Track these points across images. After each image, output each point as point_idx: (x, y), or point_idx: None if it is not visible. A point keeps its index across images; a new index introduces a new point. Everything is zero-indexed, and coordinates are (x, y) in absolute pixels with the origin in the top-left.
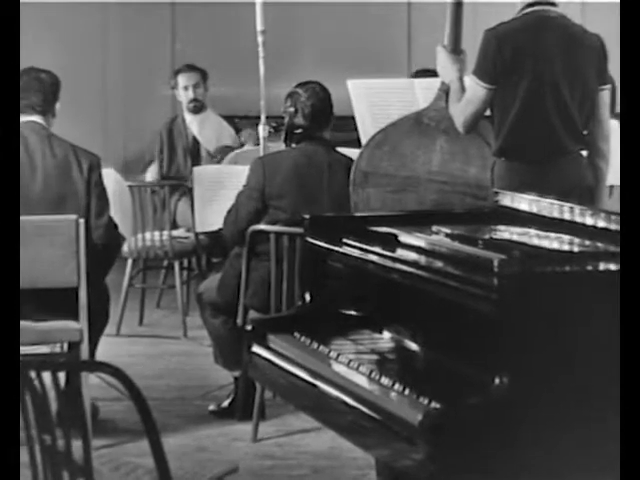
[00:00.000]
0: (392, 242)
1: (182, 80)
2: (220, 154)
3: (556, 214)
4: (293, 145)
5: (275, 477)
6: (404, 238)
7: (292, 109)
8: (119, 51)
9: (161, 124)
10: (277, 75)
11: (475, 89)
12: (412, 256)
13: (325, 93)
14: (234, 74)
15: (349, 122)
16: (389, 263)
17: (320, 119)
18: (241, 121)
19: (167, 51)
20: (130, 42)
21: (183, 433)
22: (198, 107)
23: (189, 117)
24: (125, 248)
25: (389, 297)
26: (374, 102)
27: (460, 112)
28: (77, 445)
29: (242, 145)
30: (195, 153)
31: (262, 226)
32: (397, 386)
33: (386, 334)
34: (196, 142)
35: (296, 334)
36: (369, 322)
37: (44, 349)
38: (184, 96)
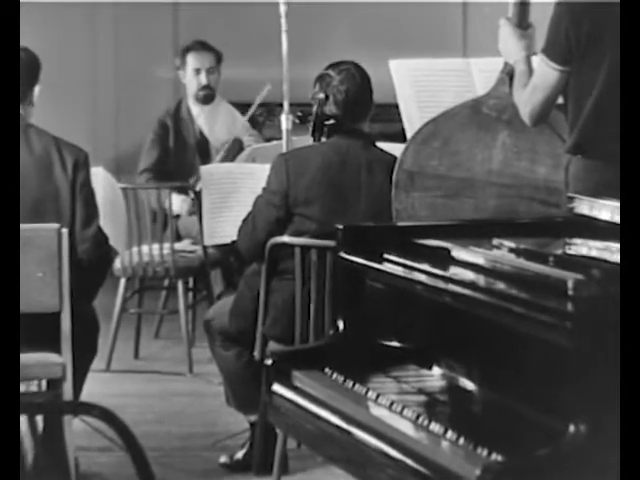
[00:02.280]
0: (444, 258)
1: (193, 60)
2: (228, 151)
3: None
4: (323, 139)
5: None
6: (458, 253)
7: (322, 95)
8: (109, 27)
9: (162, 110)
10: (304, 54)
11: (545, 71)
12: (468, 276)
13: (362, 76)
14: (250, 52)
15: (391, 111)
16: (440, 284)
17: (356, 107)
18: (259, 110)
19: (167, 24)
20: (122, 17)
21: None
22: (209, 97)
23: (196, 108)
24: (117, 265)
25: (440, 325)
26: (422, 87)
27: (527, 100)
28: None
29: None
30: (204, 151)
31: (285, 238)
32: (450, 434)
33: (436, 370)
34: (204, 137)
35: (327, 370)
36: (415, 356)
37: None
38: (193, 81)
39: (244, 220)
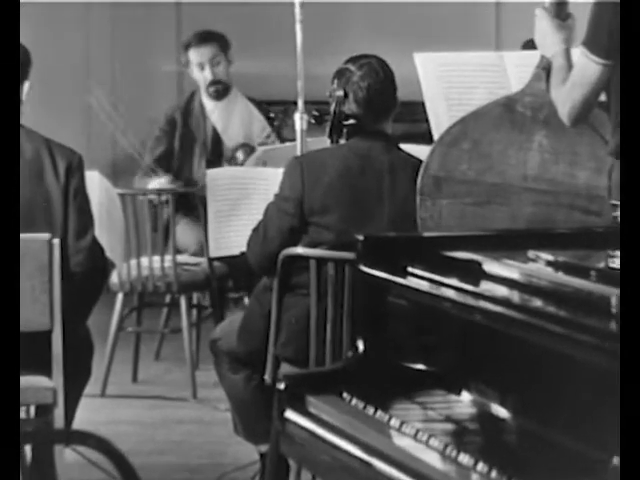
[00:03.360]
0: (474, 272)
1: (194, 56)
2: (243, 154)
3: None
4: (342, 141)
5: None
6: (490, 267)
7: (341, 92)
8: (105, 19)
9: (167, 107)
10: (320, 46)
11: (586, 66)
12: (501, 291)
13: (385, 71)
14: (261, 45)
15: (417, 110)
16: (470, 301)
17: (379, 106)
18: (270, 108)
19: (170, 12)
20: (120, 6)
21: None
22: (221, 91)
23: (210, 103)
24: (114, 279)
25: (470, 346)
26: (450, 83)
27: (566, 97)
28: None
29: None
30: (216, 151)
31: (299, 249)
32: (481, 466)
33: (466, 396)
34: (217, 135)
35: (345, 395)
36: (443, 380)
37: None
38: (200, 77)
39: (254, 230)
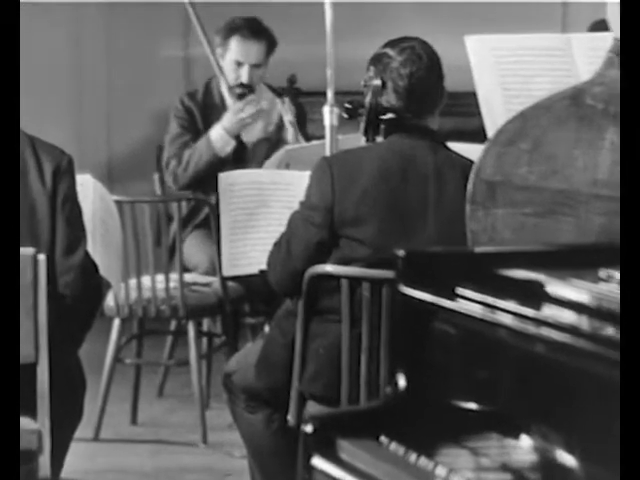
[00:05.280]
0: (535, 294)
1: (236, 49)
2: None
3: None
4: (378, 139)
5: None
6: (555, 288)
7: (378, 81)
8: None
9: (180, 93)
10: (354, 28)
11: None
12: (568, 317)
13: (431, 56)
14: (284, 26)
15: (468, 102)
16: (531, 328)
17: (422, 97)
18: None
19: None
20: None
21: None
22: (247, 94)
23: (230, 98)
24: (110, 302)
25: (530, 382)
26: (507, 70)
27: None
28: None
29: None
30: (238, 152)
31: (329, 267)
32: None
33: (525, 440)
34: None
35: (383, 439)
36: (498, 421)
37: None
38: (232, 72)
39: (276, 244)
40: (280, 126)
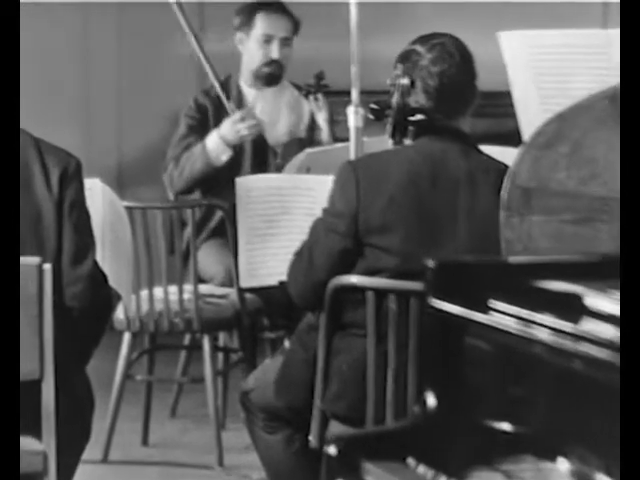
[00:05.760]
0: (574, 308)
1: (264, 24)
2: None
3: None
4: (407, 142)
5: None
6: (594, 301)
7: (406, 80)
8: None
9: (194, 93)
10: (380, 23)
11: None
12: (609, 332)
13: (463, 53)
14: (307, 21)
15: (502, 102)
16: (569, 344)
17: (453, 97)
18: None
19: None
20: None
21: None
22: (276, 77)
23: (251, 91)
24: (120, 315)
25: (568, 401)
26: (544, 69)
27: None
28: None
29: None
30: (259, 153)
31: (353, 278)
32: None
33: (562, 464)
34: (260, 134)
35: (410, 461)
36: (534, 443)
37: None
38: (258, 52)
39: (296, 253)
40: (311, 126)
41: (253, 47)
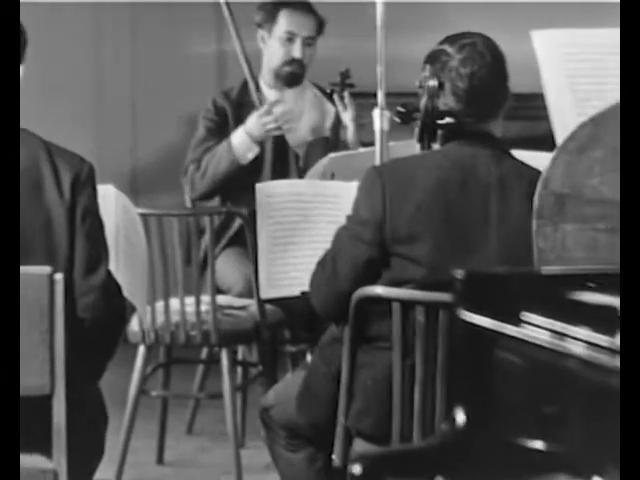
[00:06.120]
0: (610, 321)
1: (287, 21)
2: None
3: None
4: (435, 146)
5: None
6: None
7: (435, 82)
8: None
9: (213, 94)
10: (407, 22)
11: None
12: None
13: (494, 54)
14: (330, 20)
15: (535, 104)
16: (604, 358)
17: (484, 100)
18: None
19: None
20: None
21: None
22: (297, 76)
23: (271, 93)
24: (134, 327)
25: (605, 419)
26: (579, 70)
27: None
28: None
29: None
30: (280, 156)
31: (379, 289)
32: None
33: None
34: (280, 134)
35: None
36: (568, 461)
37: None
38: (280, 50)
39: (320, 263)
40: (336, 125)
41: (275, 45)
